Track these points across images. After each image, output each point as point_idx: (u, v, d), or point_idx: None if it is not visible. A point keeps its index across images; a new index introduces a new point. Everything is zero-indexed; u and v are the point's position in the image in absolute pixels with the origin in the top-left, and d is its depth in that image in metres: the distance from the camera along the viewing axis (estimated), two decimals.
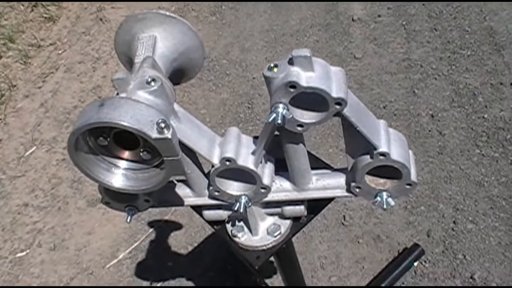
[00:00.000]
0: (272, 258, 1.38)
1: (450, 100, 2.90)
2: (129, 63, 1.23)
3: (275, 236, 1.30)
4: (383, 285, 2.28)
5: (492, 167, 2.57)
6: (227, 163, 1.09)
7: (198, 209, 1.32)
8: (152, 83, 0.98)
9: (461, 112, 2.83)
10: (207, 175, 1.20)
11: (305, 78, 0.93)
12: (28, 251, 2.85)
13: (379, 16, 3.53)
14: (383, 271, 2.36)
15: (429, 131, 2.79)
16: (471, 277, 2.25)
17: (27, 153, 3.40)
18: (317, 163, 1.29)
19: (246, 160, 1.09)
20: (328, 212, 2.58)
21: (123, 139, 1.01)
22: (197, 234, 2.68)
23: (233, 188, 1.18)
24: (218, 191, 1.18)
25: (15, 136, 3.54)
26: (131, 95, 0.97)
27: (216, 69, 3.55)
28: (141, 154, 1.03)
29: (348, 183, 1.18)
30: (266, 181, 1.14)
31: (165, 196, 1.25)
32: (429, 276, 2.30)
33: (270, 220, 1.33)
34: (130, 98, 0.94)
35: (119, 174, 1.05)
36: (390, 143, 1.06)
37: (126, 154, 1.05)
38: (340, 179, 1.19)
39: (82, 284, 2.63)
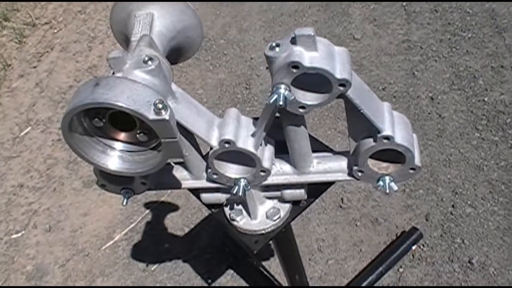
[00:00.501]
0: (270, 242, 1.36)
1: (450, 83, 2.87)
2: (126, 42, 1.19)
3: (275, 220, 1.28)
4: (380, 268, 2.27)
5: (492, 151, 2.55)
6: (226, 145, 1.06)
7: (196, 192, 1.29)
8: (149, 62, 0.95)
9: (461, 95, 2.80)
10: (205, 158, 1.17)
11: (308, 58, 0.90)
12: (23, 232, 2.83)
13: None
14: (381, 254, 2.35)
15: (429, 113, 2.77)
16: (469, 261, 2.24)
17: (22, 134, 3.37)
18: (318, 146, 1.26)
19: (246, 142, 1.07)
20: (326, 194, 2.54)
21: (119, 120, 0.98)
22: (194, 216, 2.66)
23: (232, 171, 1.15)
24: (216, 174, 1.15)
25: (9, 116, 3.51)
26: (127, 75, 0.94)
27: (213, 49, 3.51)
28: (137, 135, 1.00)
29: (350, 167, 1.15)
30: (266, 164, 1.11)
31: (162, 178, 1.23)
32: (427, 260, 2.29)
33: (270, 203, 1.31)
34: (126, 78, 0.91)
35: (115, 156, 1.03)
36: (394, 126, 1.04)
37: (122, 135, 1.02)
38: (342, 163, 1.17)
39: (77, 266, 2.62)
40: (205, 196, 1.28)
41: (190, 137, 1.10)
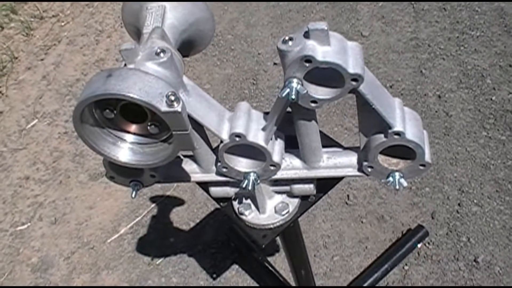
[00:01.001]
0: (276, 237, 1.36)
1: (458, 81, 2.87)
2: (137, 34, 1.19)
3: (283, 215, 1.28)
4: (386, 265, 2.27)
5: (499, 150, 2.54)
6: (237, 138, 1.06)
7: (205, 185, 1.29)
8: (161, 54, 0.95)
9: (468, 93, 2.80)
10: (215, 151, 1.17)
11: (321, 52, 0.89)
12: (29, 224, 2.84)
13: None
14: (386, 252, 2.34)
15: (436, 111, 2.76)
16: (475, 260, 2.23)
17: (29, 126, 3.37)
18: (327, 142, 1.26)
19: (256, 136, 1.06)
20: (332, 191, 2.53)
21: (130, 112, 0.98)
22: (199, 210, 2.66)
23: (242, 164, 1.15)
24: (226, 168, 1.15)
25: (16, 109, 3.51)
26: (139, 67, 0.94)
27: (220, 44, 3.51)
28: (148, 127, 1.00)
29: (360, 162, 1.15)
30: (276, 158, 1.11)
31: (171, 171, 1.23)
32: (433, 258, 2.29)
33: (278, 198, 1.31)
34: (139, 69, 0.91)
35: (126, 148, 1.03)
36: (405, 122, 1.03)
37: (133, 127, 1.02)
38: (352, 158, 1.17)
39: (82, 259, 2.62)
40: (214, 189, 1.28)
41: (200, 130, 1.10)
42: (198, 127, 1.07)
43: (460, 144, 2.60)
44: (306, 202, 1.31)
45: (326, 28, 0.88)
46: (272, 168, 1.13)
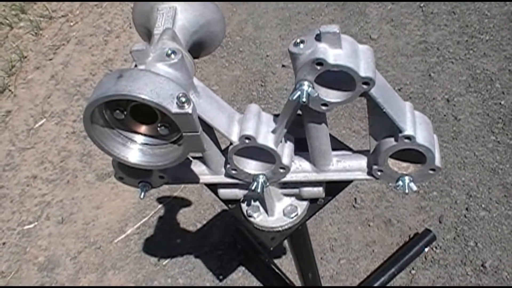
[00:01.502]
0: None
1: (467, 85, 2.85)
2: (147, 35, 1.19)
3: (292, 218, 1.28)
4: (393, 269, 2.26)
5: (507, 154, 2.53)
6: (247, 141, 1.06)
7: (213, 187, 1.29)
8: (172, 56, 0.95)
9: (477, 97, 2.79)
10: (224, 153, 1.17)
11: (333, 55, 0.89)
12: (36, 223, 2.85)
13: None
14: (393, 256, 2.34)
15: (444, 115, 2.75)
16: (482, 265, 2.22)
17: (37, 125, 3.38)
18: (337, 145, 1.26)
19: (266, 138, 1.06)
20: (339, 194, 2.54)
21: (140, 113, 0.98)
22: (206, 212, 2.66)
23: (251, 167, 1.15)
24: (235, 170, 1.15)
25: (25, 108, 3.52)
26: (150, 68, 0.94)
27: (229, 46, 3.51)
28: (158, 129, 1.00)
29: (369, 166, 1.15)
30: (285, 161, 1.11)
31: (180, 173, 1.23)
32: (440, 263, 2.28)
33: (287, 200, 1.30)
34: (150, 70, 0.91)
35: (135, 149, 1.03)
36: (416, 126, 1.03)
37: (143, 128, 1.02)
38: (362, 161, 1.16)
39: (89, 258, 2.63)
40: (222, 191, 1.28)
41: (210, 131, 1.10)
42: (208, 128, 1.07)
43: (468, 148, 2.59)
44: (314, 205, 1.31)
45: (338, 31, 0.88)
46: (281, 170, 1.13)
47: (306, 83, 0.92)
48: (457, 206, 2.41)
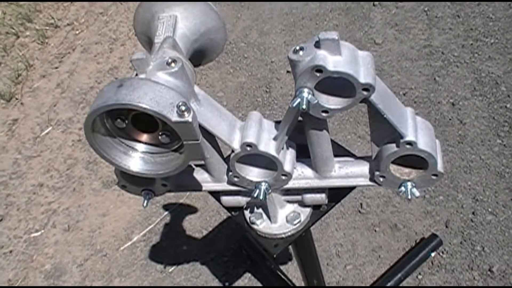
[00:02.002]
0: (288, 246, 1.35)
1: (472, 89, 2.85)
2: (149, 43, 1.20)
3: (295, 224, 1.27)
4: (399, 274, 2.25)
5: None
6: (248, 148, 1.05)
7: (216, 194, 1.29)
8: (173, 64, 0.95)
9: (482, 101, 2.78)
10: (226, 160, 1.17)
11: (332, 62, 0.89)
12: (42, 231, 2.85)
13: (400, 1, 3.47)
14: (400, 261, 2.33)
15: (450, 119, 2.74)
16: (490, 270, 2.21)
17: (43, 133, 3.40)
18: (339, 151, 1.26)
19: (268, 145, 1.06)
20: (345, 199, 2.52)
21: (141, 122, 0.98)
22: (212, 218, 2.66)
23: (253, 174, 1.15)
24: (237, 177, 1.15)
25: (31, 116, 3.54)
26: (150, 76, 0.94)
27: (234, 52, 3.51)
28: (159, 137, 1.00)
29: (371, 172, 1.14)
30: (287, 167, 1.11)
31: (183, 180, 1.23)
32: (446, 267, 2.27)
33: (290, 207, 1.30)
34: (150, 79, 0.91)
35: (137, 158, 1.03)
36: (417, 131, 1.03)
37: (144, 137, 1.02)
38: (364, 168, 1.16)
39: (95, 266, 2.63)
40: (225, 198, 1.27)
41: (212, 139, 1.10)
42: (210, 136, 1.07)
43: (474, 152, 2.58)
44: (318, 211, 1.31)
45: (337, 37, 0.88)
46: (283, 177, 1.13)
47: (306, 90, 0.92)
48: (464, 210, 2.40)
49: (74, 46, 3.97)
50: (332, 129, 2.84)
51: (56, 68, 3.84)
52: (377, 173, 1.11)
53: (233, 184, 1.18)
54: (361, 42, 3.26)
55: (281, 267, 2.41)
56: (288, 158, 1.12)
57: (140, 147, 1.03)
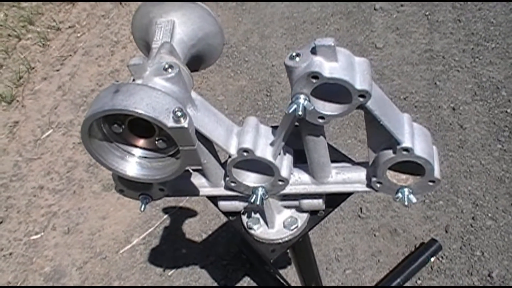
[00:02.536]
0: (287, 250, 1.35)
1: (473, 93, 2.84)
2: (146, 49, 1.20)
3: (292, 230, 1.27)
4: (398, 279, 2.25)
5: None
6: (245, 154, 1.05)
7: (214, 199, 1.29)
8: (169, 70, 0.95)
9: (483, 105, 2.77)
10: (223, 165, 1.17)
11: (328, 68, 0.89)
12: (42, 233, 2.86)
13: (401, 5, 3.47)
14: (399, 266, 2.32)
15: (450, 124, 2.74)
16: (489, 275, 2.21)
17: (44, 136, 3.40)
18: (337, 156, 1.26)
19: (264, 151, 1.06)
20: (344, 204, 2.51)
21: (138, 127, 0.99)
22: (212, 222, 2.66)
23: (250, 179, 1.15)
24: (234, 182, 1.15)
25: (32, 119, 3.55)
26: (147, 82, 0.94)
27: (235, 56, 3.52)
28: (156, 142, 1.00)
29: (368, 178, 1.14)
30: (284, 173, 1.11)
31: (180, 185, 1.23)
32: (446, 273, 2.26)
33: (287, 213, 1.30)
34: (146, 85, 0.91)
35: (134, 163, 1.03)
36: (414, 138, 1.02)
37: (141, 142, 1.02)
38: (361, 174, 1.16)
39: (95, 269, 2.63)
40: (222, 203, 1.28)
41: (209, 144, 1.10)
42: (207, 141, 1.07)
43: (474, 157, 2.57)
44: (315, 217, 1.30)
45: (333, 44, 0.88)
46: (280, 183, 1.13)
47: (302, 96, 0.92)
48: (464, 215, 2.40)
49: (76, 49, 3.98)
50: (332, 133, 2.84)
51: (58, 70, 3.85)
52: (374, 179, 1.11)
53: (230, 189, 1.18)
54: (362, 46, 3.26)
55: (280, 271, 2.41)
56: (285, 163, 1.12)
57: (137, 152, 1.03)
